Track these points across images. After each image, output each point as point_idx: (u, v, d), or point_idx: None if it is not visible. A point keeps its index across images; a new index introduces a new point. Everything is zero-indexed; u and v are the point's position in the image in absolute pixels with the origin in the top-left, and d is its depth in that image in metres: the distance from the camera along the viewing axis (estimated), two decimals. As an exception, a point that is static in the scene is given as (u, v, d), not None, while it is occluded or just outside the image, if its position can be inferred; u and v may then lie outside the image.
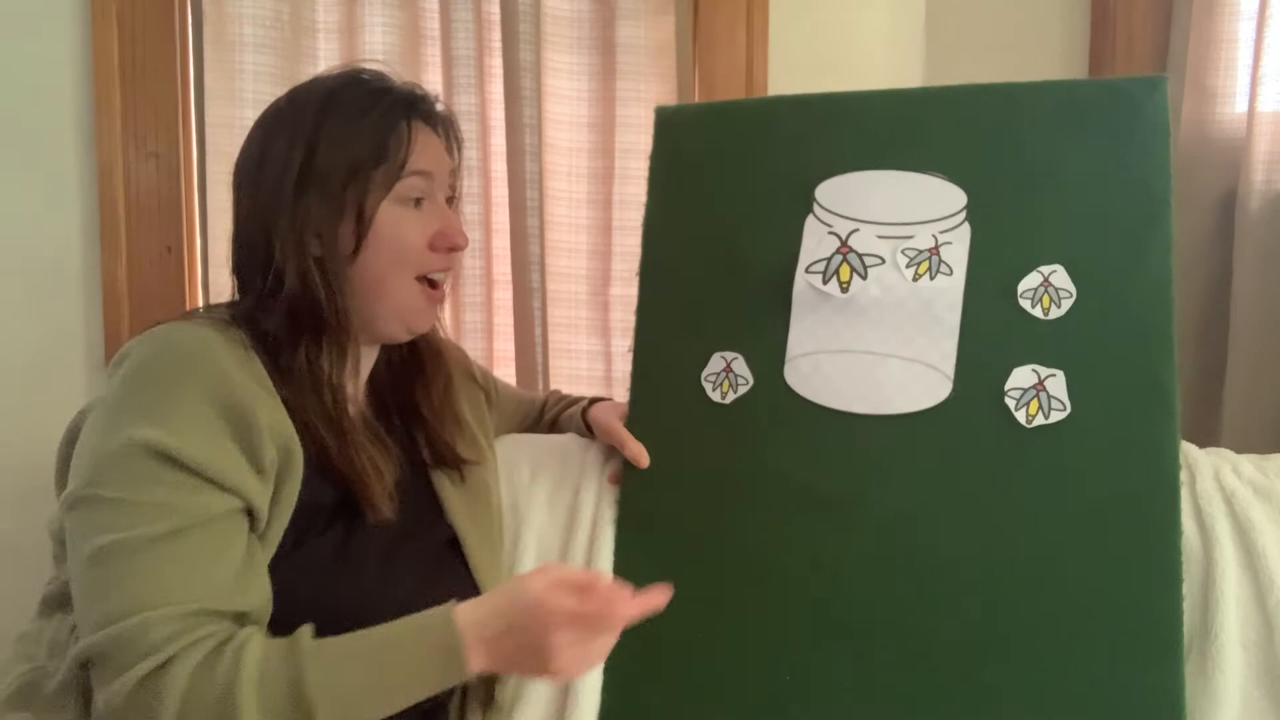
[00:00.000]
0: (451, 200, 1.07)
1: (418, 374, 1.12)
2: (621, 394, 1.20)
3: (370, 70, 1.04)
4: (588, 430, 1.25)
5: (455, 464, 1.10)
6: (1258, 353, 1.58)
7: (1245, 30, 1.60)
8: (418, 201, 1.00)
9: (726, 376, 1.14)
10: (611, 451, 1.20)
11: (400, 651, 0.83)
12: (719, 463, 1.13)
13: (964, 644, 1.03)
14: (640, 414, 1.18)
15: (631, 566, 1.13)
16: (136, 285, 1.61)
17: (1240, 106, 1.62)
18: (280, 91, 1.61)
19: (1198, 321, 1.65)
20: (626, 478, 1.16)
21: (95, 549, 0.81)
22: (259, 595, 0.86)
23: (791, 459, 1.11)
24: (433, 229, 1.01)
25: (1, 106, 1.58)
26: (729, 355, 1.15)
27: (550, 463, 1.23)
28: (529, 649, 0.83)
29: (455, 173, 1.08)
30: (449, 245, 1.02)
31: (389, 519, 0.96)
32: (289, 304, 0.95)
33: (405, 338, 1.05)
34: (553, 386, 1.71)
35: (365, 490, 0.95)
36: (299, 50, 1.67)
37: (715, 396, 1.14)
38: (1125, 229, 1.07)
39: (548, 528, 1.19)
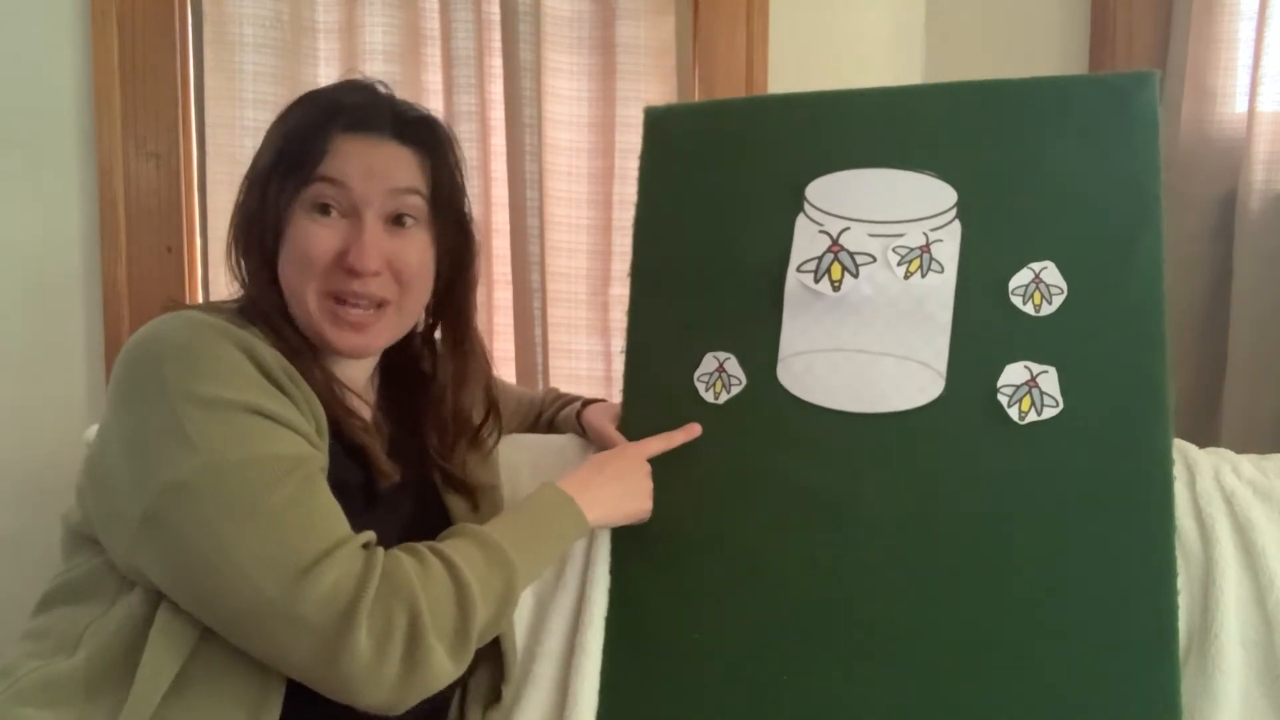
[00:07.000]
0: (401, 220, 0.98)
1: (413, 407, 1.10)
2: (620, 394, 1.20)
3: (351, 80, 1.02)
4: (583, 431, 1.25)
5: (462, 490, 1.09)
6: (1258, 353, 1.57)
7: (1245, 30, 1.60)
8: (325, 209, 0.95)
9: (719, 376, 1.14)
10: (610, 453, 1.19)
11: (545, 526, 0.99)
12: (713, 463, 1.13)
13: (958, 641, 1.03)
14: (633, 415, 1.18)
15: (628, 568, 1.14)
16: (136, 285, 1.62)
17: (1240, 106, 1.62)
18: (280, 91, 1.65)
19: (1198, 321, 1.64)
20: (621, 479, 1.16)
21: (226, 510, 0.80)
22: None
23: (786, 458, 1.11)
24: (336, 245, 0.95)
25: (1, 106, 1.59)
26: (722, 355, 1.15)
27: (550, 463, 1.23)
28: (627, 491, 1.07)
29: (412, 192, 0.99)
30: (346, 266, 0.94)
31: (396, 480, 0.98)
32: (252, 301, 0.98)
33: (342, 354, 0.99)
34: (552, 386, 1.71)
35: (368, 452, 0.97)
36: (299, 50, 1.67)
37: (708, 397, 1.14)
38: (1116, 224, 1.07)
39: (547, 528, 1.19)
